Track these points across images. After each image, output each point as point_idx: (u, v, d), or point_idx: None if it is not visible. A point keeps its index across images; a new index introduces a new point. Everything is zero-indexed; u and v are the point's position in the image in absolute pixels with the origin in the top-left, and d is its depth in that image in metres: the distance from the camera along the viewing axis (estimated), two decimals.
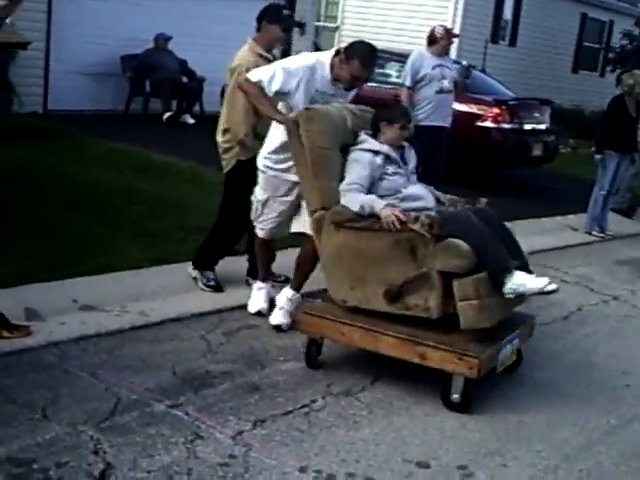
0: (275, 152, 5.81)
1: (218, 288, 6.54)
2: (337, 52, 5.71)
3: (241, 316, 6.17)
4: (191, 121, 14.38)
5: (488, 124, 12.96)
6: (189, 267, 6.62)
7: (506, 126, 13.07)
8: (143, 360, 5.24)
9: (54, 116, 12.44)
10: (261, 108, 5.70)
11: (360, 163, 5.39)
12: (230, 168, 6.41)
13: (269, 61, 6.22)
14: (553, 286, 5.13)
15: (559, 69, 25.15)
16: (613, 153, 10.74)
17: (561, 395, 5.51)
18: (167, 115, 14.23)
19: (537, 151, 13.63)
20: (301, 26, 6.88)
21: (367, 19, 22.21)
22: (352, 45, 5.73)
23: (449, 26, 13.12)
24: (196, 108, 14.78)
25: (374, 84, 13.04)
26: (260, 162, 5.92)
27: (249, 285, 6.54)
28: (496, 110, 13.02)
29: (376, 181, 5.38)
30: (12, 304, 5.51)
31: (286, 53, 16.16)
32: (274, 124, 5.76)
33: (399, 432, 4.74)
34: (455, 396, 5.05)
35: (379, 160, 5.42)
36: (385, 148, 5.49)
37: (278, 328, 5.92)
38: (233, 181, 6.43)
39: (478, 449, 4.67)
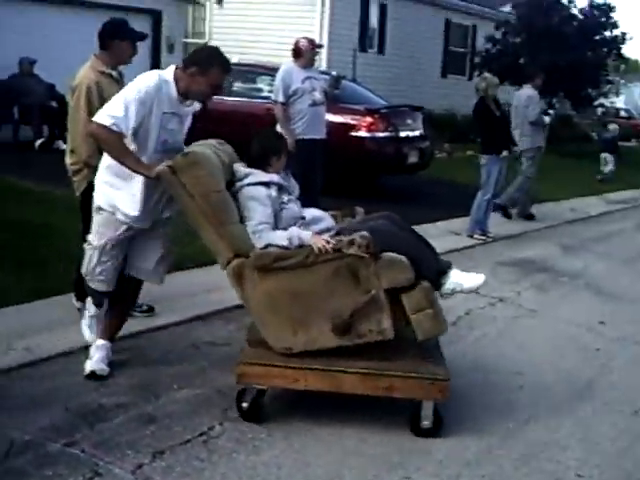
0: (137, 204, 5.29)
1: None
2: (178, 66, 5.31)
3: (131, 345, 5.99)
4: (64, 147, 13.99)
5: (362, 134, 13.03)
6: (73, 298, 6.41)
7: (380, 135, 13.14)
8: (34, 398, 5.04)
9: None
10: (125, 162, 5.10)
11: (259, 200, 5.13)
12: (82, 191, 6.06)
13: (112, 78, 6.01)
14: (483, 278, 5.35)
15: (429, 74, 25.67)
16: (493, 157, 10.90)
17: (458, 402, 5.53)
18: (39, 142, 13.94)
19: (413, 158, 13.70)
20: (143, 38, 6.49)
21: (236, 34, 22.16)
22: (201, 55, 5.37)
23: (317, 38, 13.21)
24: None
25: (245, 99, 13.09)
26: (105, 201, 5.41)
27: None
28: (369, 119, 13.10)
29: (278, 213, 5.19)
30: None
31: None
32: (111, 166, 5.27)
33: (300, 453, 4.69)
34: (426, 422, 4.98)
35: (274, 192, 5.22)
36: (275, 178, 5.33)
37: (93, 375, 5.40)
38: (88, 204, 5.81)
39: (381, 464, 4.66)
